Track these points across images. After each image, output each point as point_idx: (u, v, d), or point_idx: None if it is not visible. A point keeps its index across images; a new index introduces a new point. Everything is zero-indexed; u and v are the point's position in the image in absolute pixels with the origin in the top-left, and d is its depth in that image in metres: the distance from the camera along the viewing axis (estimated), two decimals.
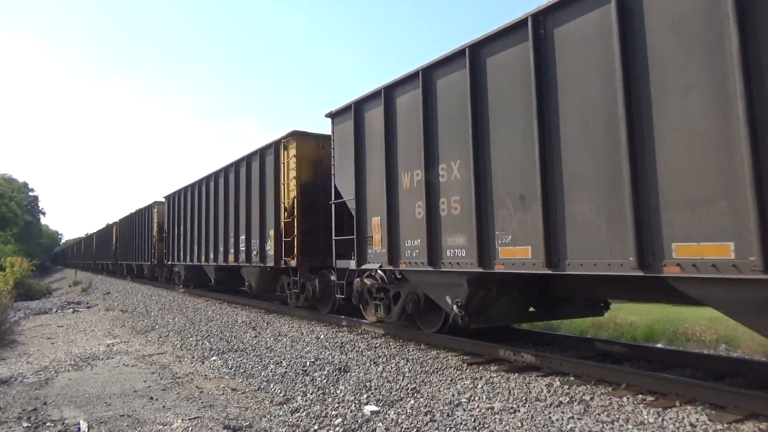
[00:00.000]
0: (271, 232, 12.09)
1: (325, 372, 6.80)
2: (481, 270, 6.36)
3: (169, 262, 21.25)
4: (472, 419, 4.77)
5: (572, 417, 4.59)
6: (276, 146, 12.07)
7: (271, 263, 12.09)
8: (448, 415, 4.96)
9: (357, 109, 8.87)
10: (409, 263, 7.60)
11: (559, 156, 5.46)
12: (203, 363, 8.16)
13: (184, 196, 19.26)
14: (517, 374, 6.06)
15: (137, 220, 27.12)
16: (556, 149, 5.50)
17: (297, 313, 11.80)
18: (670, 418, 4.38)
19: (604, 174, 5.04)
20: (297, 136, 11.27)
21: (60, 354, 9.38)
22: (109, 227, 37.29)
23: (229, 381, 7.00)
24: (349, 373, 6.71)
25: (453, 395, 5.48)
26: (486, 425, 4.61)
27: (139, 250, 26.33)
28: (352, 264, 8.92)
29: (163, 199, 22.39)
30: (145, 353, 9.15)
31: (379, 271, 8.67)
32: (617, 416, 4.53)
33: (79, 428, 5.19)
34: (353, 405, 5.48)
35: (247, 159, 13.68)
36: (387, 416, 5.08)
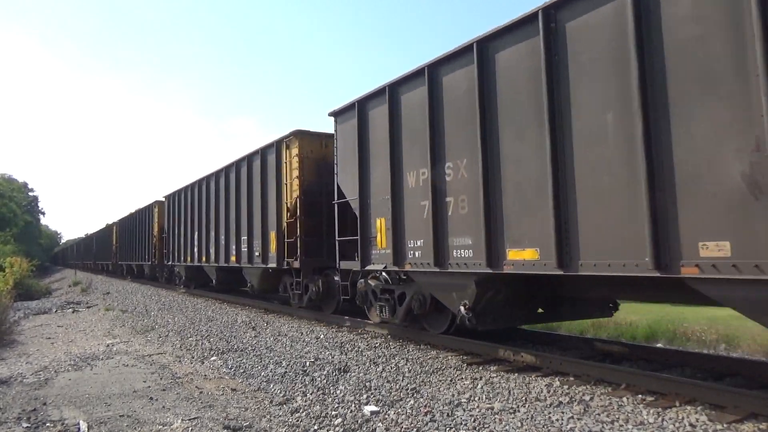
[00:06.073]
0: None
1: (325, 372, 6.80)
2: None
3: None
4: (472, 419, 4.76)
5: (572, 417, 4.59)
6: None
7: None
8: (447, 415, 4.96)
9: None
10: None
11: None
12: (203, 363, 8.16)
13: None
14: (516, 374, 6.06)
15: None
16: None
17: (298, 313, 11.70)
18: (670, 418, 4.38)
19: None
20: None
21: (60, 354, 9.37)
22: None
23: (229, 381, 7.00)
24: (348, 373, 6.70)
25: (453, 395, 5.48)
26: (486, 425, 4.61)
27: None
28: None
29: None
30: (144, 353, 9.15)
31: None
32: (617, 416, 4.52)
33: (79, 428, 5.19)
34: (353, 405, 5.48)
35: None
36: (387, 416, 5.08)
